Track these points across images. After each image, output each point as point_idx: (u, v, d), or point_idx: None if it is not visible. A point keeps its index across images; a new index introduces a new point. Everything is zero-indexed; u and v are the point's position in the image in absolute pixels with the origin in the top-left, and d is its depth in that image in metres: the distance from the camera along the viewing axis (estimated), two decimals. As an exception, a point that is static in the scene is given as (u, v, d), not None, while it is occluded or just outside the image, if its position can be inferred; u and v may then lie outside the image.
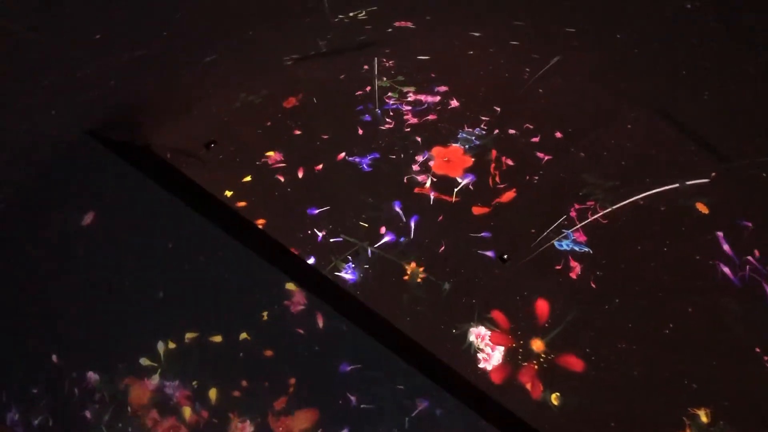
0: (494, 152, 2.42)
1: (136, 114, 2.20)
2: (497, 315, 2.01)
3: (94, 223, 1.99)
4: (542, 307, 2.02)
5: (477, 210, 2.25)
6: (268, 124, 2.50)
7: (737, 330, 1.94)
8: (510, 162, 2.38)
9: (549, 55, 2.72)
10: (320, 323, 1.93)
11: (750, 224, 2.18)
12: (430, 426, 1.75)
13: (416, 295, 2.04)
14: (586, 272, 2.07)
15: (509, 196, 2.28)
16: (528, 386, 1.86)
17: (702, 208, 2.21)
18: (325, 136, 2.50)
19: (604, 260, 2.11)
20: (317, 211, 2.26)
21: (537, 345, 1.93)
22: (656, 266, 2.09)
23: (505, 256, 2.10)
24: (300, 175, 2.37)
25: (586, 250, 2.11)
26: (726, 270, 2.06)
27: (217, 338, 1.88)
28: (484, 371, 1.90)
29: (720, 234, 2.15)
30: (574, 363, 1.89)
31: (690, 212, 2.22)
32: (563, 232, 2.16)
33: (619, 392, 1.84)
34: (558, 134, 2.48)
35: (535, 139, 2.48)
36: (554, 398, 1.80)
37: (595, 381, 1.87)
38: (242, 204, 2.25)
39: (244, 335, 1.88)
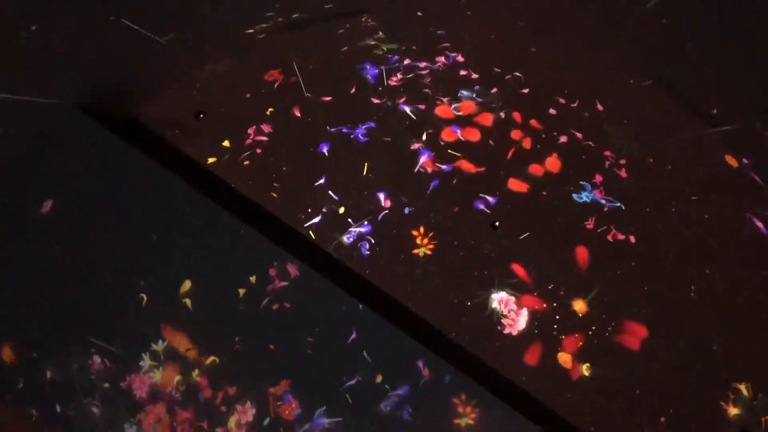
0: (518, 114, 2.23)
1: (123, 86, 2.18)
2: (520, 272, 1.87)
3: (81, 195, 1.95)
4: (582, 254, 1.88)
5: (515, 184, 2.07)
6: (248, 96, 2.33)
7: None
8: (537, 125, 2.20)
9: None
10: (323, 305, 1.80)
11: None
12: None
13: (428, 270, 1.91)
14: (623, 230, 1.94)
15: (553, 163, 2.09)
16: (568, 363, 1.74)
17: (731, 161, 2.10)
18: (317, 107, 2.33)
19: (639, 218, 1.98)
20: (317, 185, 2.11)
21: (579, 306, 1.81)
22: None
23: (497, 224, 1.96)
24: (294, 149, 2.21)
25: (618, 204, 1.97)
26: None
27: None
28: (510, 338, 1.78)
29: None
30: (635, 329, 1.77)
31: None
32: (581, 184, 2.02)
33: (663, 366, 1.75)
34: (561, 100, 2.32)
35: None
36: (585, 369, 1.70)
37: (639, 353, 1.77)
38: (239, 181, 2.10)
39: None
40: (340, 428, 1.66)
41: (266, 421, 1.68)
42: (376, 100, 2.32)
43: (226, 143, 2.15)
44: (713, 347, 1.79)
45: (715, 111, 2.36)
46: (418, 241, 1.95)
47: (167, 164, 1.97)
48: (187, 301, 1.80)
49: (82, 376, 1.76)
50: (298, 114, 2.27)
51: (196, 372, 1.74)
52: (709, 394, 1.75)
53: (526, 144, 2.13)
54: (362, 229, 1.96)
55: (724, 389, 1.74)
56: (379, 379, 1.69)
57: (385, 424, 1.65)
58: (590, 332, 1.79)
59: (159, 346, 1.76)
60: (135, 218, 1.91)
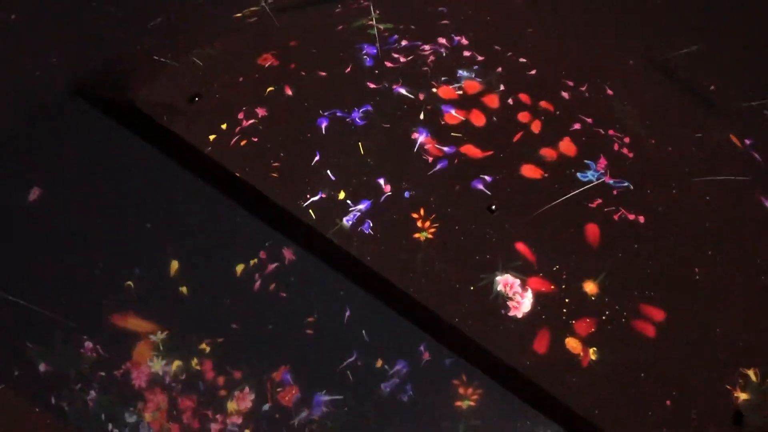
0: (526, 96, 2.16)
1: (118, 70, 2.18)
2: (525, 251, 1.83)
3: (76, 179, 1.92)
4: (592, 232, 1.84)
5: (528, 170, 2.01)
6: (240, 79, 2.27)
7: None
8: (549, 107, 2.14)
9: None
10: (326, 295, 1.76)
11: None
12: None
13: (429, 255, 1.87)
14: (630, 210, 1.90)
15: (567, 147, 2.03)
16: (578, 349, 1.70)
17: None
18: (312, 89, 2.28)
19: (649, 200, 1.94)
20: (314, 166, 2.06)
21: (590, 287, 1.77)
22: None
23: (493, 207, 1.92)
24: (291, 132, 2.16)
25: (626, 185, 1.93)
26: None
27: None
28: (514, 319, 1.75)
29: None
30: (651, 313, 1.74)
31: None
32: (585, 163, 1.97)
33: (670, 351, 1.71)
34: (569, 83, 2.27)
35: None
36: (592, 353, 1.66)
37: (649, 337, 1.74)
38: (235, 164, 2.05)
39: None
40: (339, 407, 1.63)
41: (265, 407, 1.65)
42: (372, 85, 2.27)
43: (223, 126, 2.11)
44: (717, 330, 1.77)
45: (712, 87, 2.32)
46: (419, 224, 1.91)
47: (162, 148, 1.93)
48: (184, 290, 1.76)
49: (75, 365, 1.72)
50: (291, 94, 2.22)
51: (195, 360, 1.71)
52: (716, 379, 1.72)
53: (535, 127, 2.08)
54: (361, 207, 1.92)
55: (732, 374, 1.71)
56: (379, 363, 1.66)
57: (385, 406, 1.63)
58: (603, 317, 1.75)
59: (158, 337, 1.72)
60: (130, 203, 1.88)
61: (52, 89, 2.01)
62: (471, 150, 2.03)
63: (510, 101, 2.18)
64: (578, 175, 1.96)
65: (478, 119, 2.09)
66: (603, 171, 1.97)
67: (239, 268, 1.78)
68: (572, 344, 1.70)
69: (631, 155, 2.05)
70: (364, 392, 1.64)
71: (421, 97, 2.19)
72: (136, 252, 1.82)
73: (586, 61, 2.40)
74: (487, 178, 1.96)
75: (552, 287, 1.77)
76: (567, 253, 1.83)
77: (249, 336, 1.71)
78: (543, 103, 2.15)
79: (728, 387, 1.67)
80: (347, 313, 1.71)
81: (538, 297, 1.76)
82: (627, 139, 2.09)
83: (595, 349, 1.69)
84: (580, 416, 1.66)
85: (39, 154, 1.97)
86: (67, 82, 2.03)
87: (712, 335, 1.78)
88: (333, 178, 2.02)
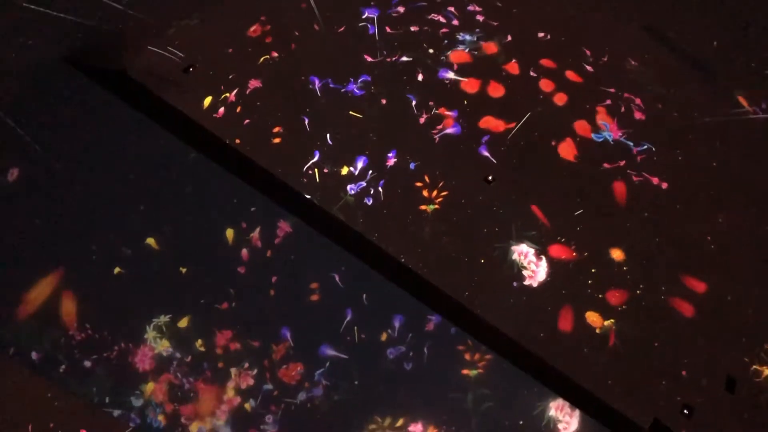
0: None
1: (112, 40, 2.12)
2: (542, 217, 1.77)
3: (70, 149, 1.86)
4: (620, 190, 1.77)
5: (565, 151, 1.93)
6: (230, 50, 2.17)
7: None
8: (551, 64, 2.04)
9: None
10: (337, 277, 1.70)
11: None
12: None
13: (437, 228, 1.81)
14: (658, 174, 1.83)
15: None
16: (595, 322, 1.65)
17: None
18: (310, 59, 2.18)
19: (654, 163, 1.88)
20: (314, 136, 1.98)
21: (617, 254, 1.71)
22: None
23: (490, 177, 1.86)
24: (287, 101, 2.07)
25: (647, 146, 1.86)
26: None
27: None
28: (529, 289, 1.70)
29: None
30: (695, 285, 1.68)
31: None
32: (599, 124, 1.90)
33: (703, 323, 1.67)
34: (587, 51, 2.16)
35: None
36: (609, 323, 1.62)
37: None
38: (231, 133, 1.98)
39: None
40: (345, 376, 1.59)
41: (268, 386, 1.61)
42: (368, 58, 2.17)
43: (221, 95, 2.02)
44: (749, 305, 1.73)
45: (715, 43, 2.25)
46: (425, 193, 1.85)
47: (156, 117, 1.86)
48: (182, 270, 1.70)
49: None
50: (288, 62, 2.12)
51: (199, 343, 1.66)
52: (739, 351, 1.69)
53: (560, 100, 2.00)
54: (360, 163, 1.85)
55: (753, 348, 1.68)
56: (384, 337, 1.62)
57: (391, 377, 1.59)
58: (635, 288, 1.69)
59: (162, 320, 1.67)
60: (127, 174, 1.82)
61: (45, 59, 1.96)
62: (488, 121, 1.96)
63: (521, 67, 2.09)
64: (593, 135, 1.89)
65: (495, 89, 2.01)
66: (616, 132, 1.90)
67: (229, 233, 1.72)
68: (593, 318, 1.66)
69: (642, 117, 1.99)
70: (370, 361, 1.61)
71: (433, 65, 2.10)
72: (130, 226, 1.76)
73: (598, 29, 2.31)
74: (486, 154, 1.90)
75: (574, 255, 1.72)
76: (586, 219, 1.77)
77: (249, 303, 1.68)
78: (568, 73, 2.07)
79: (745, 360, 1.64)
80: (335, 275, 1.66)
81: (558, 266, 1.71)
82: (639, 101, 2.02)
83: (613, 320, 1.65)
84: (592, 387, 1.63)
85: (33, 121, 1.90)
86: (60, 51, 1.97)
87: (744, 308, 1.74)
88: (334, 150, 1.95)
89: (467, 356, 1.59)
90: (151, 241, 1.73)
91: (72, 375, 1.63)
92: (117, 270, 1.71)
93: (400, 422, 1.55)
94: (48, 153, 1.85)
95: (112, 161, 1.85)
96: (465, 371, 1.58)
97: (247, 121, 2.00)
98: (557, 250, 1.74)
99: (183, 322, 1.66)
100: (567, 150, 1.90)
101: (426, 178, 1.87)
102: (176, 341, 1.65)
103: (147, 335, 1.65)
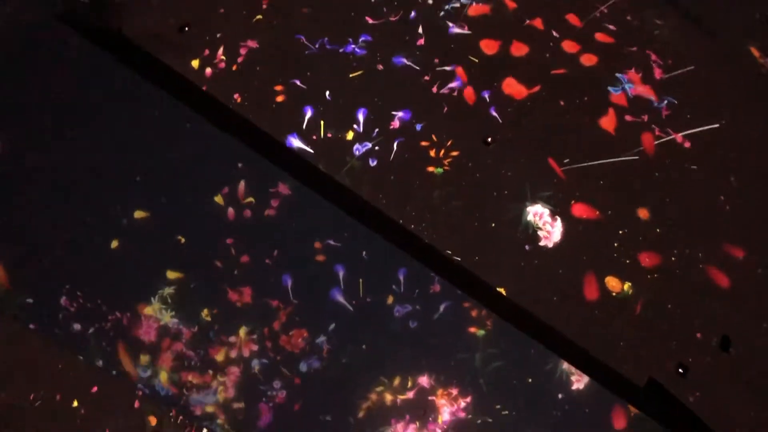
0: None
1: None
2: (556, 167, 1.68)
3: (65, 108, 1.82)
4: (648, 141, 1.69)
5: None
6: (222, 10, 2.06)
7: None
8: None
9: None
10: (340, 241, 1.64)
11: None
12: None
13: (447, 191, 1.74)
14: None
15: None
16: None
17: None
18: (311, 19, 2.07)
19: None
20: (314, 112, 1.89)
21: (643, 213, 1.64)
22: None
23: (489, 139, 1.77)
24: (288, 61, 1.97)
25: (669, 99, 1.76)
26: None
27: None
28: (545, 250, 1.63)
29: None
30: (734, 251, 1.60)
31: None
32: (616, 77, 1.80)
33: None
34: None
35: None
36: (627, 287, 1.56)
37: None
38: (228, 96, 1.91)
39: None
40: (352, 323, 1.57)
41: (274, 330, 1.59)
42: (370, 20, 2.05)
43: (218, 56, 1.93)
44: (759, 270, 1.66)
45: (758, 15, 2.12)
46: (432, 153, 1.77)
47: (151, 77, 1.79)
48: (181, 239, 1.66)
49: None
50: (284, 25, 2.01)
51: (205, 313, 1.62)
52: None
53: (564, 44, 1.87)
54: (360, 116, 1.77)
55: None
56: (390, 300, 1.58)
57: (398, 337, 1.56)
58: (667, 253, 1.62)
59: (166, 291, 1.63)
60: (121, 135, 1.76)
61: (42, 17, 1.92)
62: (514, 85, 1.86)
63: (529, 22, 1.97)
64: (610, 88, 1.79)
65: (520, 50, 1.90)
66: (634, 84, 1.79)
67: (217, 198, 1.68)
68: (613, 283, 1.60)
69: (660, 73, 1.88)
70: (377, 322, 1.57)
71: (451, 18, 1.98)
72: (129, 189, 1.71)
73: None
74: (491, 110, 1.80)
75: (597, 213, 1.64)
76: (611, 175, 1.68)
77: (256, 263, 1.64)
78: (571, 17, 1.95)
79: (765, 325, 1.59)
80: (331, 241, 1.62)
81: (576, 226, 1.64)
82: (655, 57, 1.91)
83: (630, 284, 1.59)
84: (604, 350, 1.59)
85: (28, 81, 1.84)
86: (56, 10, 1.92)
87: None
88: (336, 112, 1.87)
89: (474, 313, 1.55)
90: (141, 213, 1.68)
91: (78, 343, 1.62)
92: (114, 244, 1.67)
93: (409, 383, 1.53)
94: (40, 114, 1.79)
95: (110, 125, 1.80)
96: (472, 329, 1.54)
97: (245, 83, 1.91)
98: (579, 209, 1.67)
99: (185, 291, 1.63)
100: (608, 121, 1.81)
101: (433, 137, 1.79)
102: (181, 312, 1.62)
103: (152, 306, 1.62)
